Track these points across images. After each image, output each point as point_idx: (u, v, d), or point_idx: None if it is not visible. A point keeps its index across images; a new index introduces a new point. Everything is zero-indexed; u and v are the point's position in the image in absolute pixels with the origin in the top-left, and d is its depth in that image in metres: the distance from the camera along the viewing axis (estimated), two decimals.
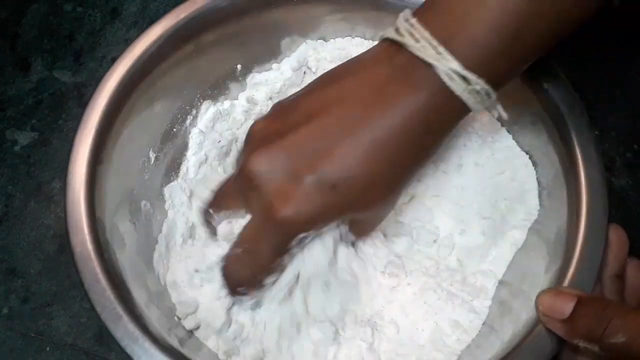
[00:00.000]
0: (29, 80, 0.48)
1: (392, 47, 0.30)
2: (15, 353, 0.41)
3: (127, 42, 0.48)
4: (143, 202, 0.37)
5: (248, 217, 0.33)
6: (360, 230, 0.34)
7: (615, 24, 0.47)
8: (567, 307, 0.27)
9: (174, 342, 0.32)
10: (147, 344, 0.30)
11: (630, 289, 0.31)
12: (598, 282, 0.31)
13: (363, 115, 0.29)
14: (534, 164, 0.37)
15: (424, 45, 0.28)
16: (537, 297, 0.29)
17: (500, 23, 0.27)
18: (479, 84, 0.28)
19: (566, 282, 0.30)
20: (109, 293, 0.31)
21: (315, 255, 0.32)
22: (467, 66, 0.28)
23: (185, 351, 0.31)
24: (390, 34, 0.30)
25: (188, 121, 0.40)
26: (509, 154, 0.38)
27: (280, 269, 0.32)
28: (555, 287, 0.30)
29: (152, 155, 0.38)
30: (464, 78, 0.28)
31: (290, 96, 0.33)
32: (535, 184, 0.37)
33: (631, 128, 0.45)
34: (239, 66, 0.41)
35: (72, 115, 0.47)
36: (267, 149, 0.30)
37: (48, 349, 0.41)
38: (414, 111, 0.29)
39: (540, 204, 0.37)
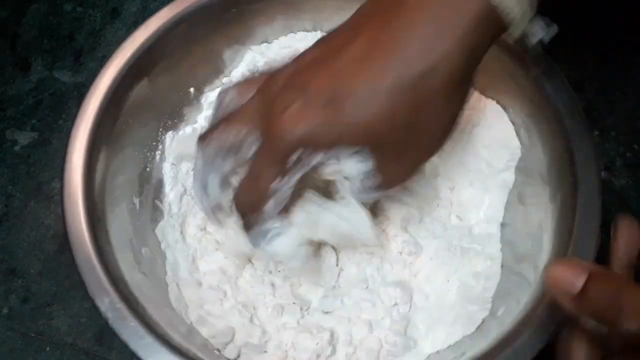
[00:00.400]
0: (29, 80, 0.48)
1: None
2: (15, 353, 0.41)
3: None
4: (143, 250, 0.36)
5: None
6: (382, 181, 0.31)
7: (616, 24, 0.47)
8: (578, 280, 0.25)
9: None
10: None
11: None
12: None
13: (389, 47, 0.28)
14: (504, 107, 0.38)
15: None
16: (546, 267, 0.28)
17: None
18: None
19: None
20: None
21: (333, 214, 0.32)
22: None
23: None
24: None
25: (157, 157, 0.40)
26: (479, 105, 0.39)
27: (282, 197, 0.31)
28: (567, 258, 0.28)
29: (136, 201, 0.38)
30: None
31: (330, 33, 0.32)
32: (511, 126, 0.38)
33: (631, 128, 0.45)
34: (191, 90, 0.41)
35: (72, 115, 0.46)
36: (289, 75, 0.30)
37: (48, 349, 0.41)
38: (450, 38, 0.27)
39: (521, 142, 0.37)
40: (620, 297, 0.24)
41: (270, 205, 0.31)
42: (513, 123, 0.38)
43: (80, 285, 0.41)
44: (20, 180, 0.45)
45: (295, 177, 0.30)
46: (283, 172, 0.30)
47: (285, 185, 0.30)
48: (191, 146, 0.34)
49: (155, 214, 0.39)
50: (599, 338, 0.27)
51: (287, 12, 0.41)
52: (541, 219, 0.35)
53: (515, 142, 0.38)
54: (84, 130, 0.34)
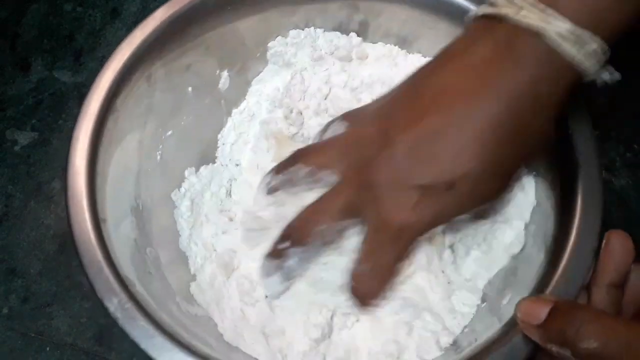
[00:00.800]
0: (29, 80, 0.48)
1: (489, 24, 0.28)
2: (15, 353, 0.41)
3: None
4: (148, 249, 0.36)
5: (309, 196, 0.32)
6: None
7: None
8: (542, 312, 0.27)
9: None
10: None
11: (629, 297, 0.30)
12: (586, 291, 0.30)
13: (467, 106, 0.28)
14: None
15: (528, 10, 0.27)
16: (517, 304, 0.29)
17: None
18: (595, 42, 0.27)
19: (550, 286, 0.30)
20: None
21: None
22: (579, 25, 0.26)
23: None
24: (485, 9, 0.28)
25: (158, 156, 0.39)
26: None
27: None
28: (536, 295, 0.30)
29: (139, 201, 0.37)
30: (576, 40, 0.27)
31: (388, 98, 0.32)
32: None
33: (631, 128, 0.45)
34: (189, 89, 0.40)
35: (72, 115, 0.47)
36: (376, 165, 0.30)
37: (48, 349, 0.41)
38: (521, 89, 0.28)
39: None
40: (577, 319, 0.25)
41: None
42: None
43: (81, 285, 0.42)
44: (20, 180, 0.45)
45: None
46: (405, 256, 0.32)
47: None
48: None
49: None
50: None
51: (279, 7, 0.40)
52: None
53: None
54: (85, 131, 0.34)
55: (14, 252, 0.43)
